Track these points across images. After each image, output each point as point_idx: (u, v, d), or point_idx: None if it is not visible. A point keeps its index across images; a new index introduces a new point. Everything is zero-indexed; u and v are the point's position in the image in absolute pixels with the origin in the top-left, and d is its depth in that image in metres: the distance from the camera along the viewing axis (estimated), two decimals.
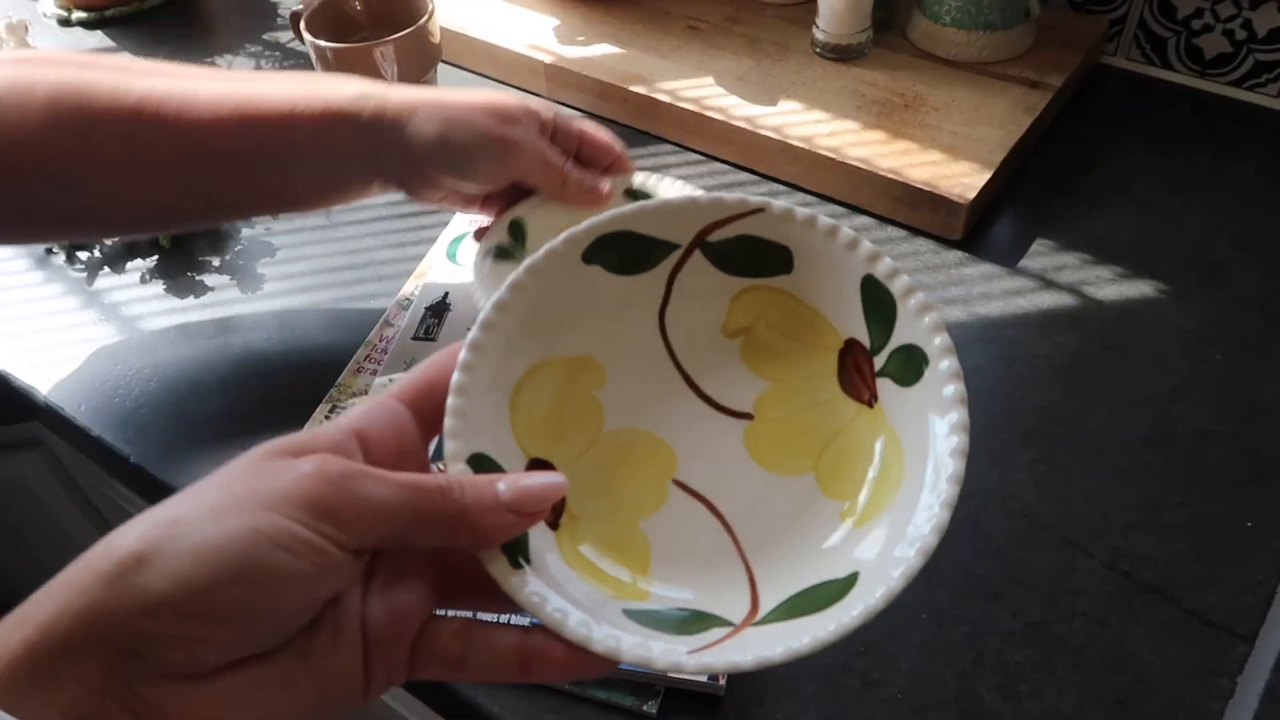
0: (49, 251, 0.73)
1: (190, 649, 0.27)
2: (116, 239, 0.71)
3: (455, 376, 0.33)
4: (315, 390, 0.60)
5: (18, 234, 0.60)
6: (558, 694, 0.46)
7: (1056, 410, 0.56)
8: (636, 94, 0.76)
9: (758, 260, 0.38)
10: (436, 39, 0.75)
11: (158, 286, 0.69)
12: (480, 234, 0.60)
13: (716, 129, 0.73)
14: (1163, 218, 0.67)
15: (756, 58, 0.79)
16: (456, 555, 0.32)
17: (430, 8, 0.74)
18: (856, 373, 0.37)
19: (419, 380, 0.34)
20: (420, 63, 0.74)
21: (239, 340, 0.65)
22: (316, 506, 0.28)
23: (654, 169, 0.74)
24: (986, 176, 0.65)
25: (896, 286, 0.36)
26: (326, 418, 0.58)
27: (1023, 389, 0.57)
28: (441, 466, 0.33)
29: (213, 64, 0.91)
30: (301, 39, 0.75)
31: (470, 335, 0.34)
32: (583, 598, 0.33)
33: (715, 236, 0.37)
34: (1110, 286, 0.63)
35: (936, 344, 0.34)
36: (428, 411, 0.34)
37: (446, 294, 0.64)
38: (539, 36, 0.83)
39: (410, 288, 0.66)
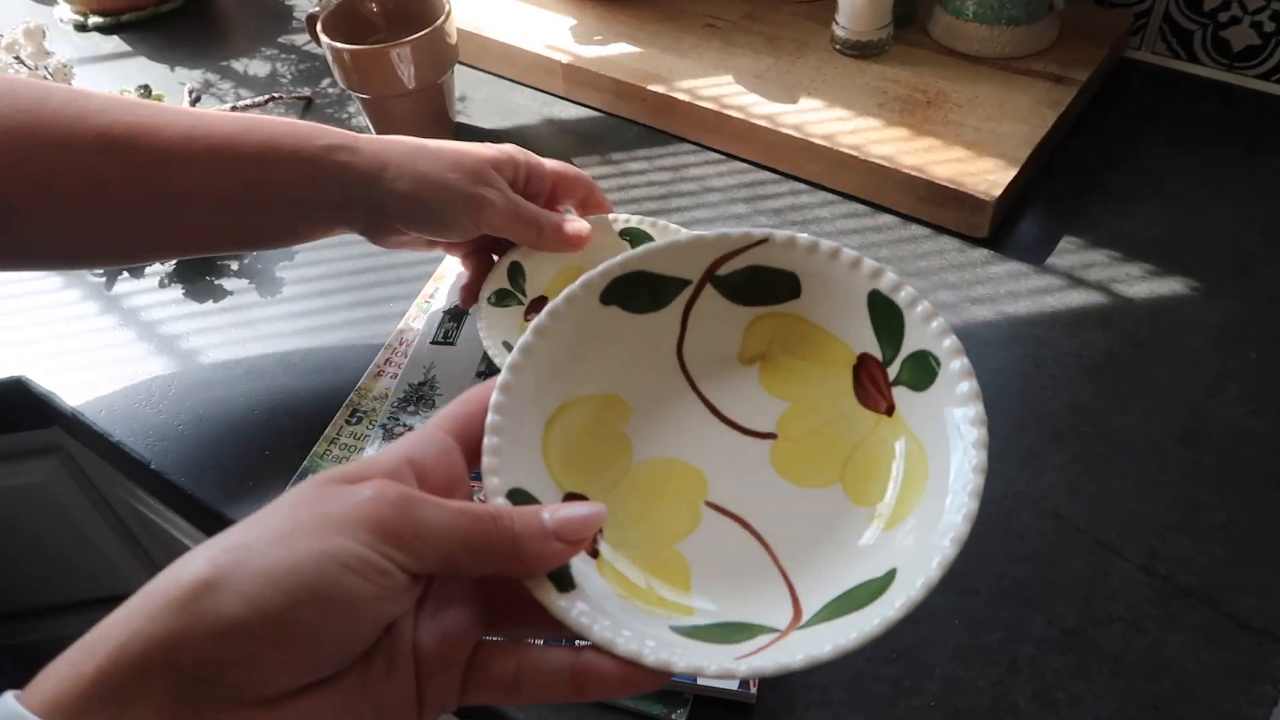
0: None
1: (261, 673, 0.27)
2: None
3: (489, 417, 0.35)
4: (335, 394, 0.60)
5: None
6: (586, 703, 0.45)
7: (1087, 410, 0.55)
8: (655, 93, 0.76)
9: (767, 289, 0.39)
10: (453, 40, 0.75)
11: (176, 291, 0.69)
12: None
13: (736, 127, 0.73)
14: (1191, 213, 0.66)
15: (776, 55, 0.78)
16: (500, 582, 0.33)
17: (447, 9, 0.73)
18: (872, 385, 0.38)
19: (460, 413, 0.35)
20: (437, 64, 0.74)
21: (258, 344, 0.64)
22: (381, 530, 0.29)
23: (673, 168, 0.74)
24: (1012, 173, 0.64)
25: (901, 298, 0.37)
26: (348, 422, 0.57)
27: (1052, 388, 0.57)
28: (482, 498, 0.34)
29: (228, 66, 0.91)
30: (318, 41, 0.75)
31: (500, 378, 0.36)
32: (629, 618, 0.33)
33: (724, 270, 0.39)
34: (1139, 284, 0.62)
35: (946, 346, 0.36)
36: (470, 444, 0.35)
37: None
38: (556, 36, 0.82)
39: (429, 290, 0.65)
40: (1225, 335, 0.58)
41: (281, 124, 0.54)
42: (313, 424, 0.58)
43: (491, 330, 0.56)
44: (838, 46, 0.77)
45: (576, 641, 0.31)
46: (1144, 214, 0.66)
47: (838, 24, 0.77)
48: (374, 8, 0.78)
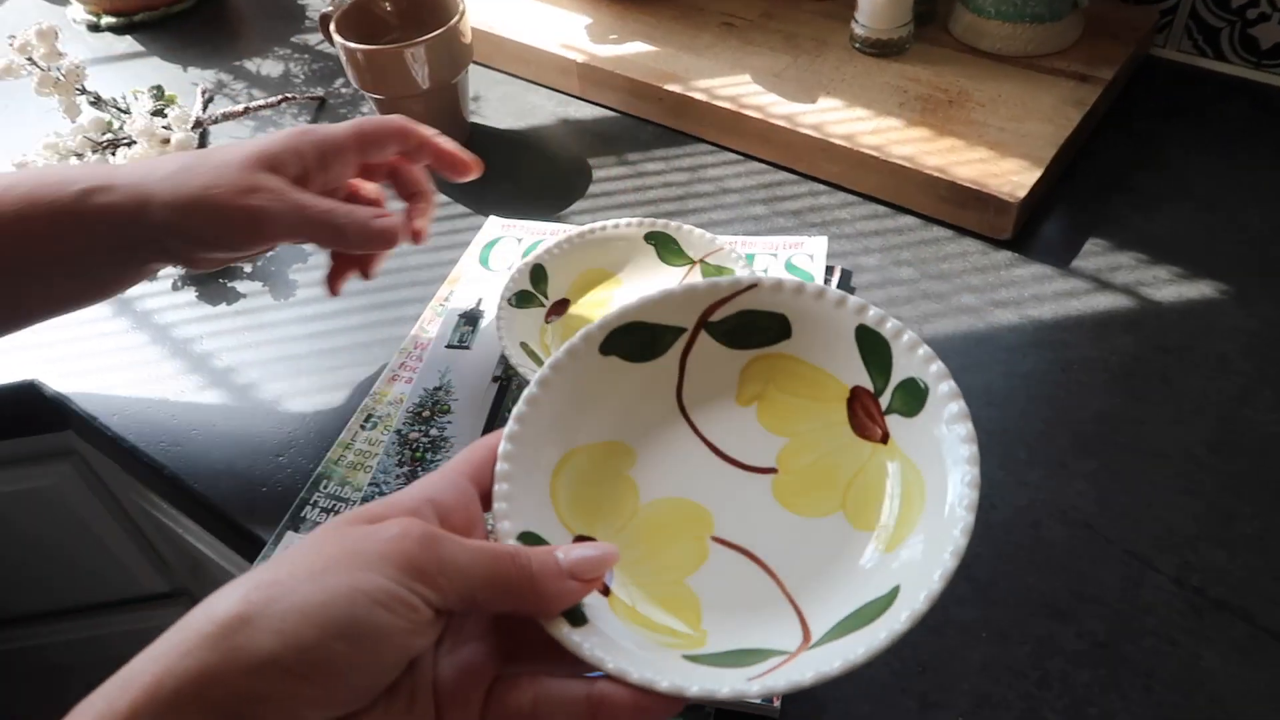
0: None
1: (293, 708, 0.28)
2: None
3: (498, 465, 0.36)
4: (349, 399, 0.59)
5: None
6: None
7: (1115, 416, 0.54)
8: (671, 92, 0.75)
9: (759, 331, 0.41)
10: (468, 39, 0.74)
11: (189, 293, 0.68)
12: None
13: (754, 127, 0.72)
14: (1220, 215, 0.65)
15: (794, 54, 0.77)
16: (514, 619, 0.33)
17: (461, 8, 0.72)
18: (866, 415, 0.40)
19: (475, 458, 0.37)
20: (451, 64, 0.73)
21: (271, 348, 0.64)
22: (408, 566, 0.30)
23: (690, 169, 0.73)
24: (1037, 174, 0.63)
25: (887, 330, 0.39)
26: (362, 427, 0.56)
27: (1079, 394, 0.55)
28: (494, 541, 0.35)
29: (241, 67, 0.91)
30: (331, 41, 0.74)
31: (507, 428, 0.37)
32: (641, 649, 0.34)
33: (717, 316, 0.41)
34: (1168, 287, 0.61)
35: (932, 371, 0.38)
36: (485, 488, 0.36)
37: (480, 300, 0.63)
38: (571, 35, 0.81)
39: (443, 293, 0.64)
40: (1258, 340, 0.57)
41: (37, 176, 0.48)
42: (326, 429, 0.58)
43: (511, 333, 0.55)
44: (857, 45, 0.76)
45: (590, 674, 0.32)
46: (1171, 215, 0.65)
47: (857, 22, 0.75)
48: (387, 7, 0.77)
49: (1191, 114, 0.73)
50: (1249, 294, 0.60)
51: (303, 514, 0.52)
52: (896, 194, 0.67)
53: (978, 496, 0.34)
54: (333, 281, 0.57)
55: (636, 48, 0.79)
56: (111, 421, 0.61)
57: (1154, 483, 0.51)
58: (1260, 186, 0.66)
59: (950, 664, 0.45)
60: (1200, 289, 0.60)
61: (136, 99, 0.80)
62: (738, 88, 0.74)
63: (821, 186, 0.70)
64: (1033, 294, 0.61)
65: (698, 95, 0.74)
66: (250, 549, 0.54)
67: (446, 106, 0.76)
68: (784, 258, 0.63)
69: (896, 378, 0.39)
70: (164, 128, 0.71)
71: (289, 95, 0.83)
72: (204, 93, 0.85)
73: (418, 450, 0.55)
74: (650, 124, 0.78)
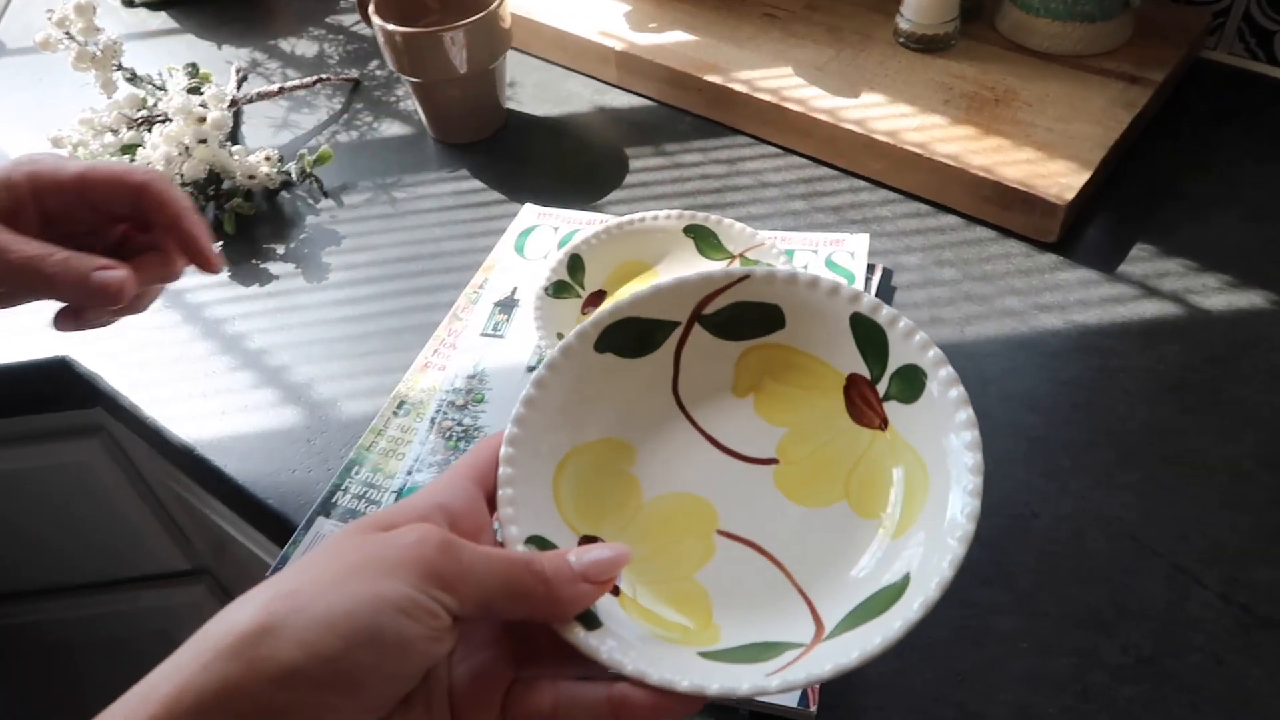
0: None
1: (318, 718, 0.27)
2: None
3: (500, 469, 0.36)
4: (382, 384, 0.59)
5: None
6: None
7: (1162, 427, 0.53)
8: (711, 83, 0.74)
9: (753, 322, 0.41)
10: (507, 24, 0.73)
11: (222, 274, 0.68)
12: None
13: (796, 121, 0.70)
14: (1271, 223, 0.63)
15: (837, 47, 0.76)
16: (526, 625, 0.33)
17: None
18: (864, 403, 0.40)
19: (479, 461, 0.36)
20: (490, 49, 0.72)
21: (303, 331, 0.63)
22: (428, 573, 0.29)
23: (729, 161, 0.72)
24: (1085, 176, 0.62)
25: (882, 318, 0.39)
26: (394, 414, 0.56)
27: (1125, 403, 0.54)
28: (500, 545, 0.35)
29: (275, 46, 0.90)
30: (368, 22, 0.73)
31: (506, 431, 0.37)
32: (657, 649, 0.34)
33: (710, 309, 0.41)
34: (1217, 295, 0.59)
35: (930, 357, 0.37)
36: (489, 490, 0.36)
37: (515, 289, 0.62)
38: (610, 23, 0.80)
39: (478, 280, 0.64)
40: None
41: None
42: (358, 415, 0.57)
43: (547, 323, 0.55)
44: (901, 40, 0.75)
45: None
46: (1221, 222, 0.64)
47: (902, 16, 0.74)
48: None
49: (1243, 118, 0.71)
50: None
51: (334, 500, 0.52)
52: (939, 193, 0.66)
53: (982, 482, 0.34)
54: (59, 321, 0.46)
55: (676, 37, 0.78)
56: (142, 400, 0.60)
57: (1201, 496, 0.50)
58: None
59: (990, 674, 0.44)
60: (1250, 298, 0.59)
61: (171, 76, 0.79)
62: (779, 80, 0.73)
63: (862, 183, 0.69)
64: (1078, 299, 0.60)
65: (738, 87, 0.73)
66: (279, 532, 0.54)
67: (483, 92, 0.75)
68: (824, 254, 0.62)
69: (894, 365, 0.39)
70: (200, 105, 0.70)
71: (324, 76, 0.83)
72: (238, 71, 0.85)
73: (451, 439, 0.54)
74: (688, 115, 0.77)
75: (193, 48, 0.92)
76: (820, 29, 0.78)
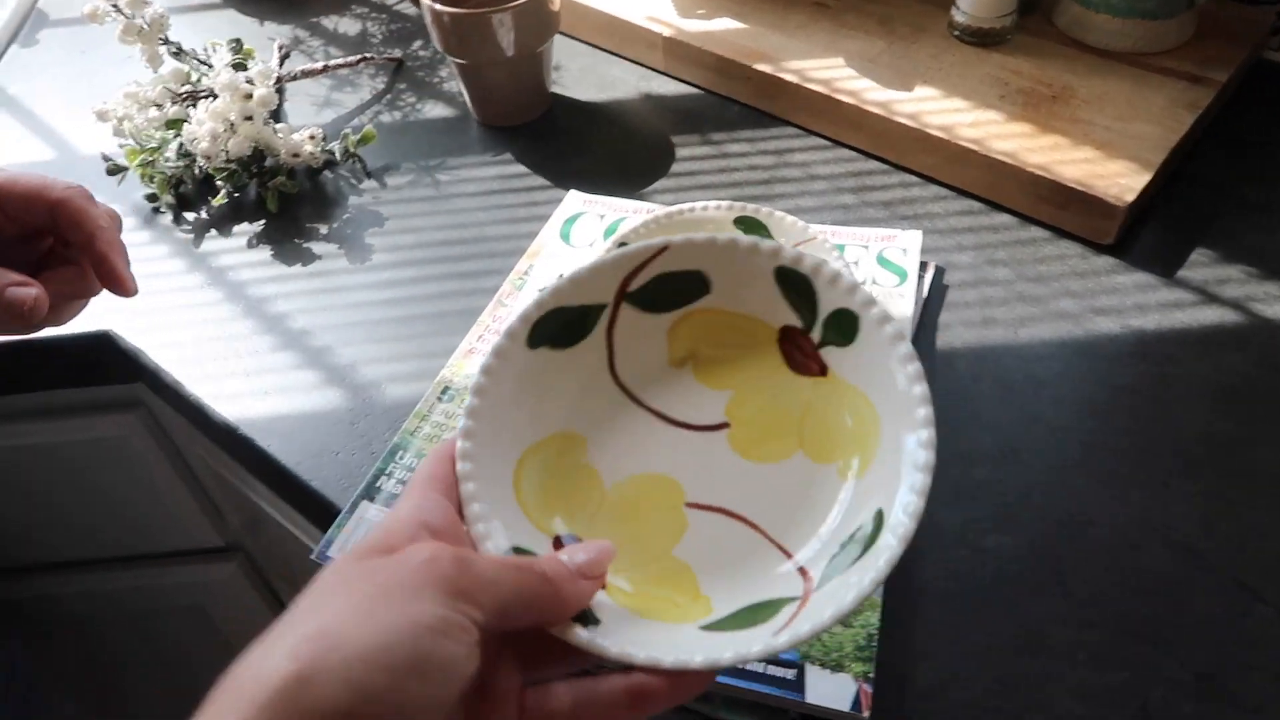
0: (156, 211, 0.72)
1: None
2: (223, 201, 0.69)
3: (463, 486, 0.36)
4: (425, 368, 0.58)
5: None
6: (684, 711, 0.43)
7: (1222, 437, 0.52)
8: (760, 72, 0.73)
9: (678, 292, 0.41)
10: (555, 7, 0.72)
11: (265, 252, 0.68)
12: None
13: (847, 113, 0.69)
14: None
15: (889, 39, 0.74)
16: (523, 633, 0.33)
17: None
18: (800, 352, 0.40)
19: (437, 472, 0.36)
20: (539, 32, 0.71)
21: (346, 312, 0.63)
22: (452, 589, 0.29)
23: (777, 152, 0.71)
24: (1146, 178, 0.61)
25: (805, 267, 0.39)
26: (439, 399, 0.55)
27: (1183, 412, 0.53)
28: None
29: (318, 24, 0.90)
30: (416, 2, 0.72)
31: (458, 445, 0.37)
32: (658, 632, 0.34)
33: (634, 285, 0.41)
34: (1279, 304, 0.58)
35: (859, 299, 0.38)
36: (455, 501, 0.36)
37: (561, 276, 0.61)
38: (657, 8, 0.79)
39: (523, 266, 0.63)
40: None
41: None
42: (402, 399, 0.57)
43: None
44: (956, 33, 0.74)
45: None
46: None
47: (957, 9, 0.73)
48: None
49: None
50: None
51: (378, 485, 0.52)
52: (994, 190, 0.65)
53: (932, 411, 0.36)
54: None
55: (725, 24, 0.77)
56: (184, 377, 0.60)
57: (1262, 509, 0.49)
58: None
59: (1044, 685, 0.43)
60: None
61: (215, 52, 0.79)
62: (831, 71, 0.71)
63: (913, 178, 0.68)
64: (1135, 303, 0.59)
65: (788, 76, 0.71)
66: (321, 515, 0.54)
67: (529, 75, 0.74)
68: (875, 250, 0.61)
69: (824, 311, 0.39)
70: (247, 82, 0.70)
71: (367, 55, 0.82)
72: (280, 49, 0.84)
73: None
74: (735, 104, 0.76)
75: (235, 23, 0.91)
76: (872, 20, 0.76)
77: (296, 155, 0.71)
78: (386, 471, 0.52)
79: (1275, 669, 0.43)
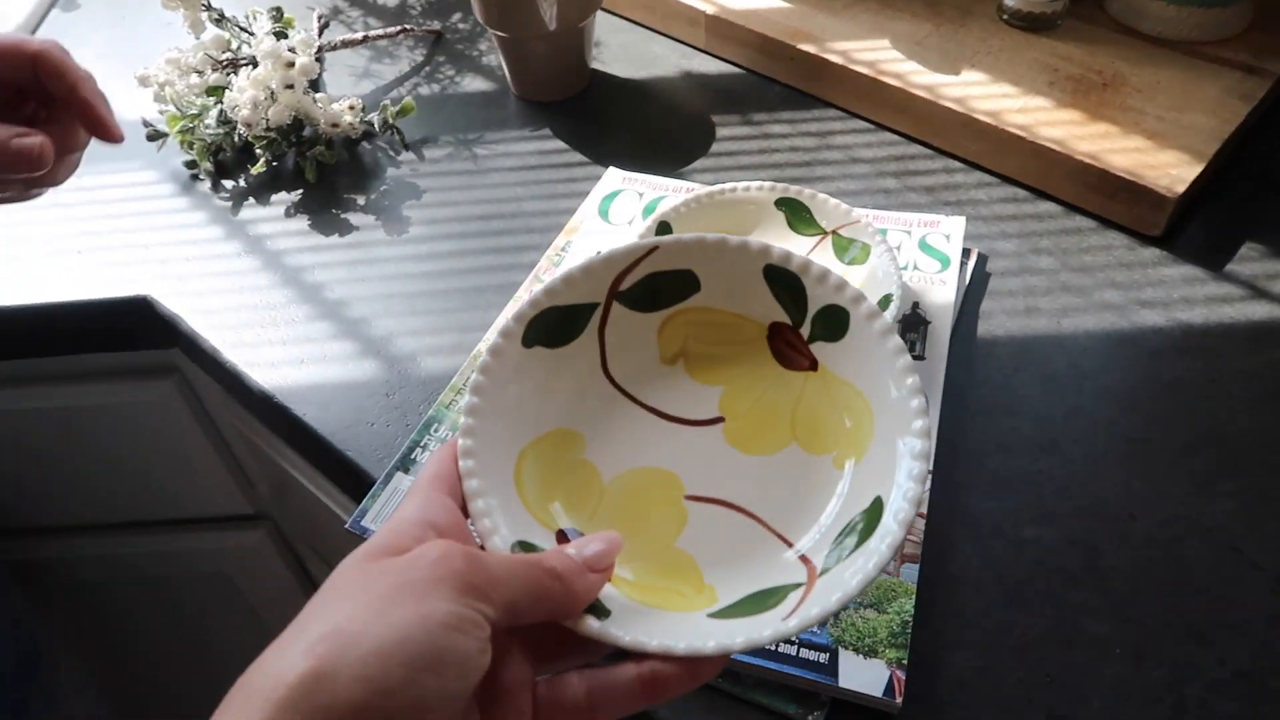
0: (194, 178, 0.72)
1: None
2: (262, 169, 0.69)
3: (467, 483, 0.36)
4: (461, 342, 0.58)
5: None
6: (714, 692, 0.43)
7: (1268, 434, 0.51)
8: (805, 52, 0.72)
9: (668, 290, 0.42)
10: None
11: (302, 221, 0.68)
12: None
13: (892, 96, 0.68)
14: None
15: (936, 22, 0.73)
16: (534, 626, 0.33)
17: None
18: (789, 348, 0.41)
19: (441, 472, 0.36)
20: (581, 6, 0.70)
21: (383, 284, 0.63)
22: (464, 585, 0.29)
23: (819, 134, 0.70)
24: (1198, 169, 0.59)
25: (794, 265, 0.40)
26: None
27: (1228, 408, 0.52)
28: None
29: None
30: None
31: (460, 443, 0.37)
32: (668, 621, 0.35)
33: (625, 284, 0.41)
34: None
35: (848, 295, 0.39)
36: (458, 500, 0.36)
37: (599, 253, 0.61)
38: None
39: (560, 243, 0.63)
40: None
41: None
42: (437, 371, 0.57)
43: None
44: (1005, 17, 0.72)
45: None
46: None
47: None
48: None
49: None
50: None
51: (413, 457, 0.52)
52: (1040, 178, 0.64)
53: (924, 400, 0.36)
54: None
55: (768, 3, 0.76)
56: (221, 344, 0.60)
57: None
58: None
59: (1080, 679, 0.43)
60: None
61: (255, 20, 0.79)
62: (876, 53, 0.70)
63: (957, 164, 0.67)
64: (1182, 296, 0.58)
65: (833, 57, 0.70)
66: (355, 485, 0.54)
67: (570, 50, 0.74)
68: (918, 236, 0.60)
69: (814, 307, 0.40)
70: (289, 50, 0.69)
71: (407, 26, 0.82)
72: (320, 18, 0.84)
73: None
74: (777, 84, 0.75)
75: None
76: (918, 2, 0.75)
77: (335, 125, 0.71)
78: (421, 444, 0.52)
79: None
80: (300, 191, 0.70)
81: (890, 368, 0.37)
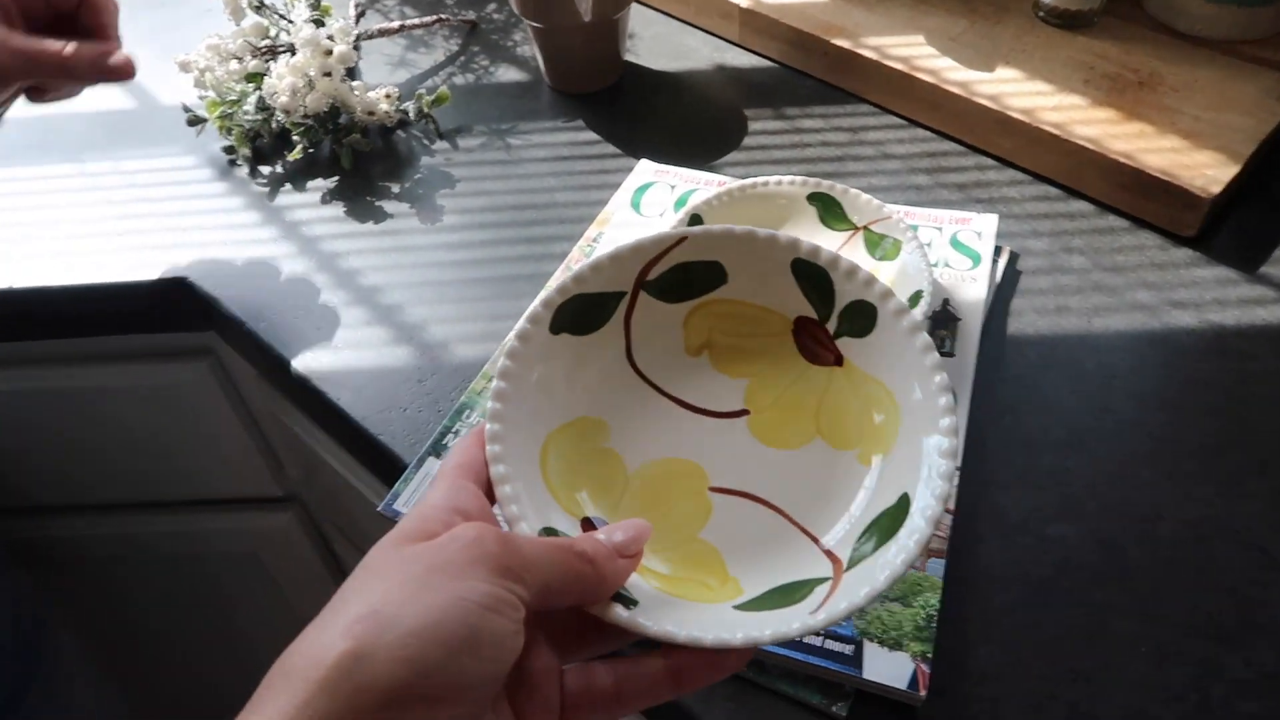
0: (232, 163, 0.73)
1: None
2: (299, 156, 0.70)
3: (494, 468, 0.36)
4: (493, 330, 0.59)
5: None
6: (741, 682, 0.44)
7: None
8: (838, 47, 0.72)
9: (696, 281, 0.41)
10: None
11: (338, 208, 0.69)
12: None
13: (925, 92, 0.68)
14: None
15: (971, 18, 0.73)
16: (560, 615, 0.33)
17: None
18: (815, 342, 0.41)
19: (469, 460, 0.36)
20: None
21: (417, 271, 0.64)
22: (498, 567, 0.29)
23: (851, 130, 0.70)
24: (1234, 170, 0.59)
25: (823, 259, 0.40)
26: None
27: (1260, 410, 0.52)
28: None
29: None
30: None
31: (488, 428, 0.37)
32: (694, 612, 0.35)
33: (653, 274, 0.41)
34: None
35: (876, 291, 0.39)
36: (484, 486, 0.35)
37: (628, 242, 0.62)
38: None
39: (592, 234, 0.63)
40: None
41: None
42: (469, 358, 0.58)
43: None
44: (1041, 14, 0.72)
45: None
46: None
47: None
48: None
49: None
50: None
51: (445, 442, 0.53)
52: (1073, 177, 0.64)
53: (953, 398, 0.36)
54: (32, 94, 0.56)
55: None
56: (258, 328, 0.61)
57: None
58: None
59: (1104, 675, 0.43)
60: None
61: (293, 7, 0.80)
62: (910, 48, 0.70)
63: (990, 161, 0.67)
64: (1214, 297, 0.57)
65: (866, 53, 0.70)
66: (387, 469, 0.55)
67: (605, 42, 0.74)
68: (949, 233, 0.60)
69: (841, 303, 0.40)
70: (328, 38, 0.70)
71: (442, 16, 0.82)
72: (356, 6, 0.85)
73: None
74: (810, 78, 0.75)
75: None
76: None
77: (371, 113, 0.72)
78: (453, 429, 0.53)
79: None
80: (336, 178, 0.71)
81: (918, 365, 0.37)
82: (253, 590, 0.99)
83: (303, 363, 0.59)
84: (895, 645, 0.43)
